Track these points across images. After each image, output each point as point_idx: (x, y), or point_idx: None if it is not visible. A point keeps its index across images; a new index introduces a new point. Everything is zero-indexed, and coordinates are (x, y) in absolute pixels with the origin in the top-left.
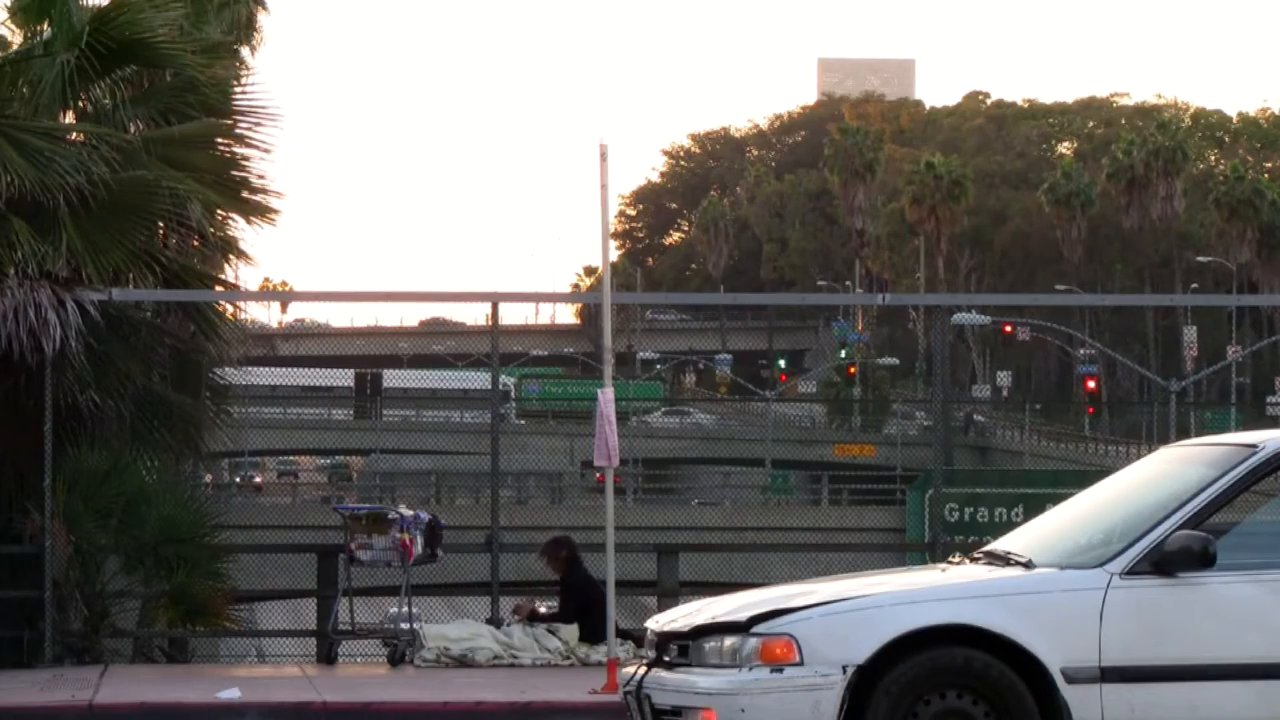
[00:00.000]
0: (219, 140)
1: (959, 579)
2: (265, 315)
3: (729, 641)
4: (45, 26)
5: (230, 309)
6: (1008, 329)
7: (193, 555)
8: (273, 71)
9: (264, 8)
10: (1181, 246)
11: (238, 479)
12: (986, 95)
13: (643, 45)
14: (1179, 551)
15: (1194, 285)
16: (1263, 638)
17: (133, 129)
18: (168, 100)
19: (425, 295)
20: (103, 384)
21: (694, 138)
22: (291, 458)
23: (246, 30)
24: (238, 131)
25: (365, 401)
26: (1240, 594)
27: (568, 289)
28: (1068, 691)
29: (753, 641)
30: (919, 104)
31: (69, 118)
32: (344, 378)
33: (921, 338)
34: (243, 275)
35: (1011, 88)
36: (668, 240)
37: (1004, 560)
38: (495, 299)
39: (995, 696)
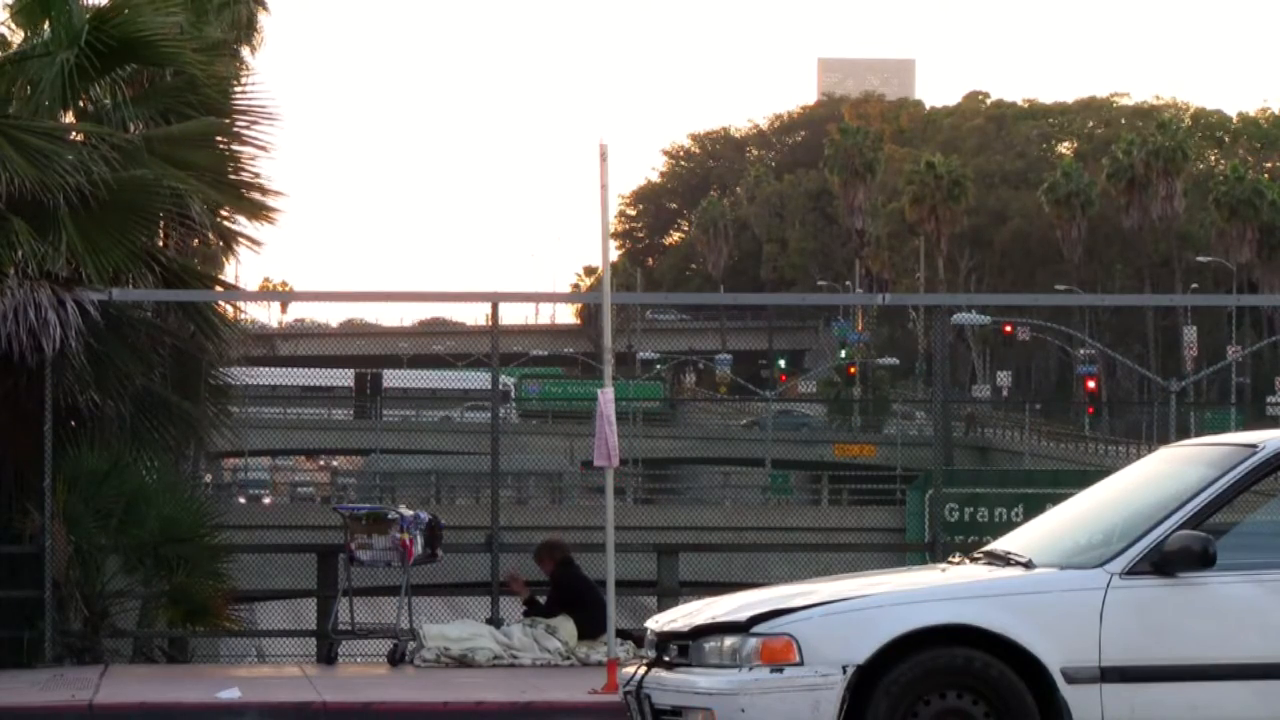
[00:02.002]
0: (219, 139)
1: (959, 579)
2: (265, 315)
3: (729, 641)
4: (45, 26)
5: (230, 309)
6: (1008, 329)
7: (193, 555)
8: (273, 71)
9: (264, 8)
10: (1181, 246)
11: (241, 499)
12: (986, 95)
13: (643, 45)
14: (1179, 551)
15: (1194, 285)
16: (1262, 638)
17: (133, 128)
18: (168, 99)
19: (425, 295)
20: (103, 384)
21: (694, 138)
22: (305, 474)
23: (247, 30)
24: (238, 130)
25: (365, 401)
26: (1240, 594)
27: (568, 289)
28: (1068, 691)
29: (753, 641)
30: (919, 104)
31: (69, 117)
32: (344, 378)
33: (921, 338)
34: (243, 276)
35: (1011, 88)
36: (668, 240)
37: (1004, 560)
38: (495, 299)
39: (995, 696)
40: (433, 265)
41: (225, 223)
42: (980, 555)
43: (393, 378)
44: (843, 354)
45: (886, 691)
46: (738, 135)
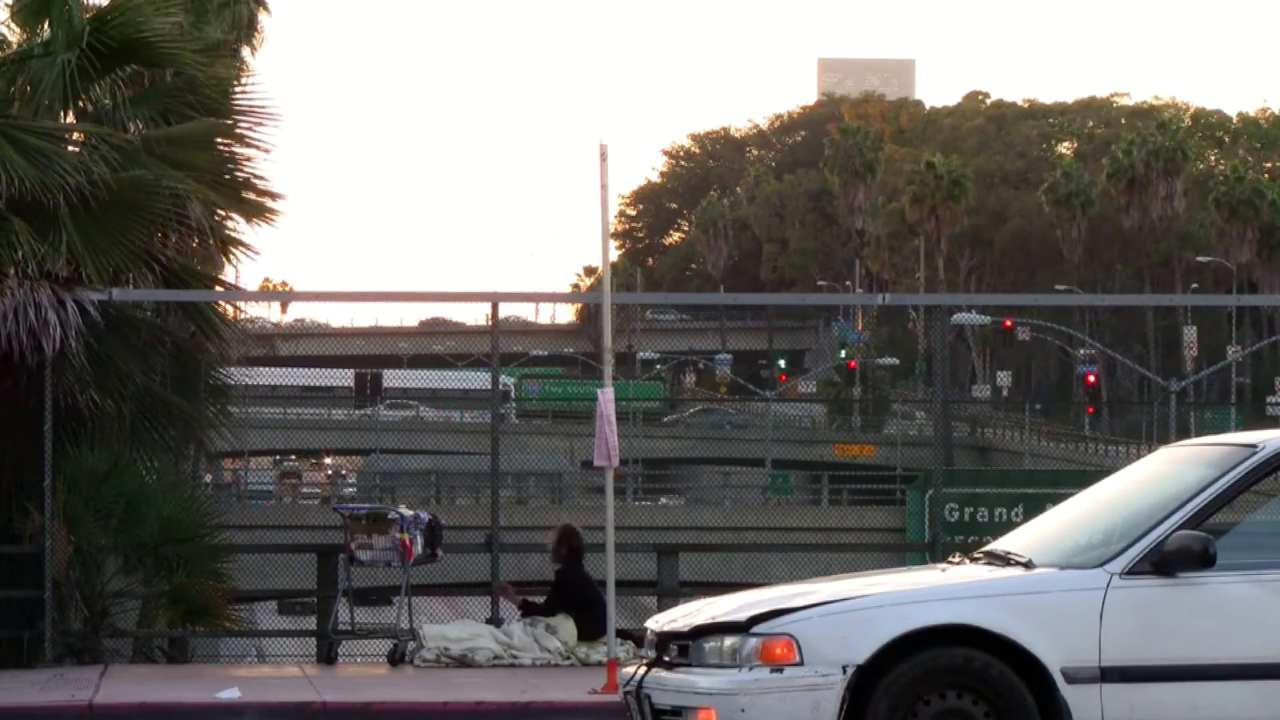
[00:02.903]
0: (219, 140)
1: (959, 579)
2: (265, 315)
3: (729, 641)
4: (45, 26)
5: (230, 309)
6: (1008, 323)
7: (193, 555)
8: (273, 71)
9: (265, 8)
10: (1181, 246)
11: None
12: (986, 95)
13: (643, 45)
14: (1179, 551)
15: (1194, 285)
16: (1262, 638)
17: (133, 129)
18: (168, 100)
19: (425, 295)
20: (103, 384)
21: (694, 138)
22: (309, 475)
23: (247, 30)
24: (238, 131)
25: (365, 401)
26: (1240, 594)
27: (568, 289)
28: (1067, 691)
29: (753, 641)
30: (919, 104)
31: (69, 117)
32: (344, 378)
33: (921, 338)
34: (243, 276)
35: (1011, 88)
36: (668, 240)
37: (1004, 560)
38: (495, 299)
39: (995, 696)
40: (433, 265)
41: (224, 224)
42: (980, 555)
43: (393, 378)
44: (843, 354)
45: (886, 691)
46: (738, 135)
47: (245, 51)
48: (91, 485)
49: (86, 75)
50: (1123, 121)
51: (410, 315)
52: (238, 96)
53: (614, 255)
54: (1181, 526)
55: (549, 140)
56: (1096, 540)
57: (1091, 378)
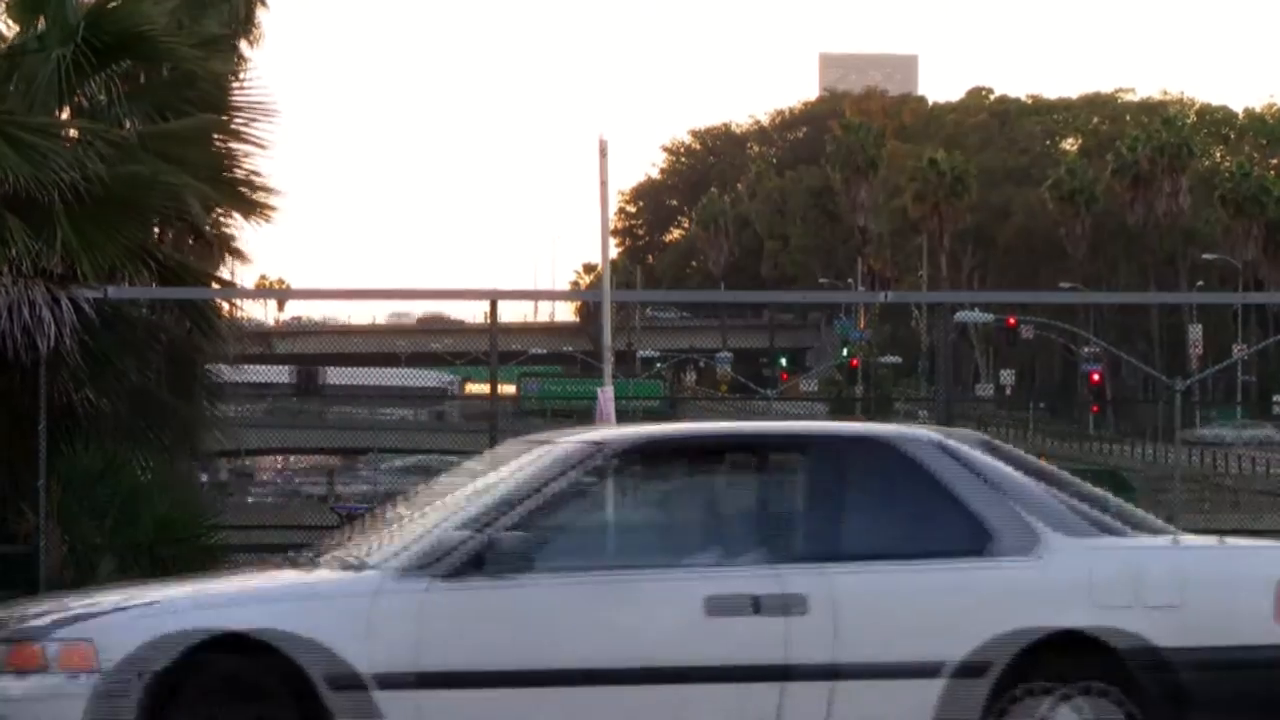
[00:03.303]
0: (216, 136)
1: (269, 581)
2: (262, 313)
3: (35, 646)
4: (40, 21)
5: (227, 306)
6: (1011, 322)
7: (189, 555)
8: (272, 67)
9: (263, 3)
10: (1187, 244)
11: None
12: (990, 91)
13: (643, 41)
14: (450, 552)
15: (1199, 283)
16: (578, 641)
17: (128, 124)
18: (164, 95)
19: (423, 293)
20: (98, 382)
21: (695, 134)
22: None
23: (245, 24)
24: (235, 127)
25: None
26: (560, 596)
27: (567, 286)
28: (331, 699)
29: (54, 647)
30: (922, 100)
31: (64, 113)
32: (340, 376)
33: (924, 336)
34: (239, 273)
35: (1015, 83)
36: (668, 237)
37: (344, 562)
38: (494, 296)
39: (277, 706)
40: (432, 263)
41: (221, 218)
42: (334, 555)
43: (392, 376)
44: (845, 352)
45: (184, 700)
46: (739, 131)
47: (243, 46)
48: (86, 485)
49: (82, 70)
50: (1127, 118)
51: (409, 313)
52: (235, 92)
53: (614, 252)
54: (465, 526)
55: (549, 136)
56: (398, 540)
57: (1096, 376)
